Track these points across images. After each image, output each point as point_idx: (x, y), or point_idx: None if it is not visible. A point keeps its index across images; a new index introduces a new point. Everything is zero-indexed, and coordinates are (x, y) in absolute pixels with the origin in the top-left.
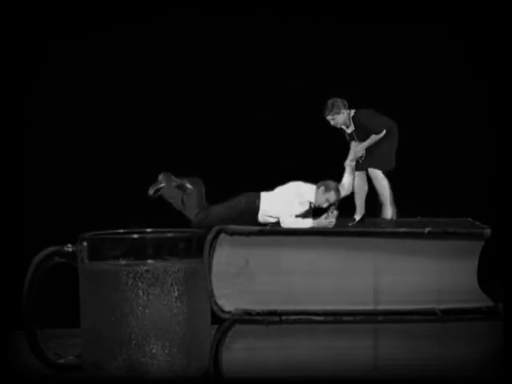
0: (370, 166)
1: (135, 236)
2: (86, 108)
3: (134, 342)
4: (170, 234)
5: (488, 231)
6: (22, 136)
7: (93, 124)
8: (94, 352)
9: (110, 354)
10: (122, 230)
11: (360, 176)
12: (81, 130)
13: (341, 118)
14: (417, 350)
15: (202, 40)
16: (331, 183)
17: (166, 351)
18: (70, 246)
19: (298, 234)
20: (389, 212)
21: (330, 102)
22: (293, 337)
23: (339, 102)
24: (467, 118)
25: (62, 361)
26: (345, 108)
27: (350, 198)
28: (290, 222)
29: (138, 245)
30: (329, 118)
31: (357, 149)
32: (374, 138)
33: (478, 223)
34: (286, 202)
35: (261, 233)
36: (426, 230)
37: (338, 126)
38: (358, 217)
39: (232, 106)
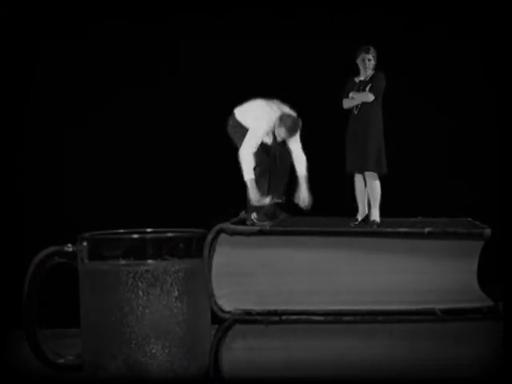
0: (366, 170)
1: (135, 236)
2: (85, 107)
3: (134, 342)
4: (169, 234)
5: (488, 231)
6: (21, 135)
7: (93, 123)
8: (94, 352)
9: (109, 353)
10: (122, 230)
11: (359, 177)
12: (81, 129)
13: (373, 63)
14: (417, 349)
15: (202, 41)
16: (288, 118)
17: (166, 351)
18: (70, 245)
19: (298, 234)
20: (377, 214)
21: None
22: (293, 337)
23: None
24: (467, 118)
25: (61, 361)
26: (375, 60)
27: (353, 198)
28: (245, 157)
29: (138, 245)
30: (367, 56)
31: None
32: (363, 95)
33: (478, 223)
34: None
35: (261, 233)
36: (426, 230)
37: (368, 67)
38: (360, 217)
39: (230, 106)
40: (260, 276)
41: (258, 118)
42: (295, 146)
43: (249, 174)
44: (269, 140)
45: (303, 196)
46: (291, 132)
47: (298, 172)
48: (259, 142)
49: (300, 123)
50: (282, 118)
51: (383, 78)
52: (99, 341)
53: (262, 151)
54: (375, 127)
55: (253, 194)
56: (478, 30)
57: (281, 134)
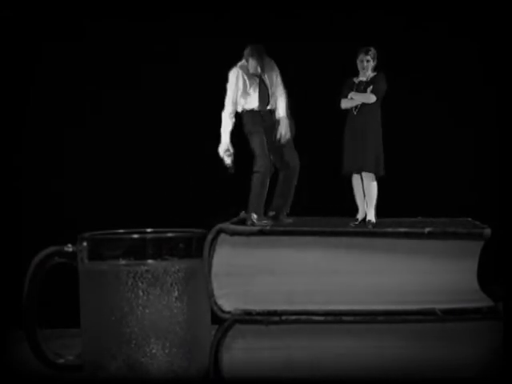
0: (364, 170)
1: (135, 236)
2: (85, 107)
3: (134, 342)
4: (170, 234)
5: (488, 231)
6: (21, 135)
7: (93, 123)
8: (94, 352)
9: (109, 353)
10: (122, 230)
11: (357, 178)
12: (81, 129)
13: (372, 64)
14: (417, 350)
15: (202, 41)
16: (247, 49)
17: (166, 351)
18: (70, 245)
19: (298, 234)
20: (373, 214)
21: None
22: (293, 337)
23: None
24: (467, 118)
25: (61, 361)
26: (375, 61)
27: (352, 198)
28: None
29: (138, 245)
30: (366, 57)
31: None
32: (364, 96)
33: (478, 223)
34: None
35: (261, 233)
36: (426, 230)
37: (366, 69)
38: (360, 217)
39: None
40: (260, 276)
41: (229, 75)
42: (274, 83)
43: (225, 133)
44: (254, 88)
45: (283, 131)
46: (259, 58)
47: (277, 113)
48: (234, 91)
49: (261, 47)
50: (244, 54)
51: (385, 80)
52: (99, 341)
53: (255, 116)
54: (374, 128)
55: (222, 142)
56: (478, 29)
57: (254, 66)
